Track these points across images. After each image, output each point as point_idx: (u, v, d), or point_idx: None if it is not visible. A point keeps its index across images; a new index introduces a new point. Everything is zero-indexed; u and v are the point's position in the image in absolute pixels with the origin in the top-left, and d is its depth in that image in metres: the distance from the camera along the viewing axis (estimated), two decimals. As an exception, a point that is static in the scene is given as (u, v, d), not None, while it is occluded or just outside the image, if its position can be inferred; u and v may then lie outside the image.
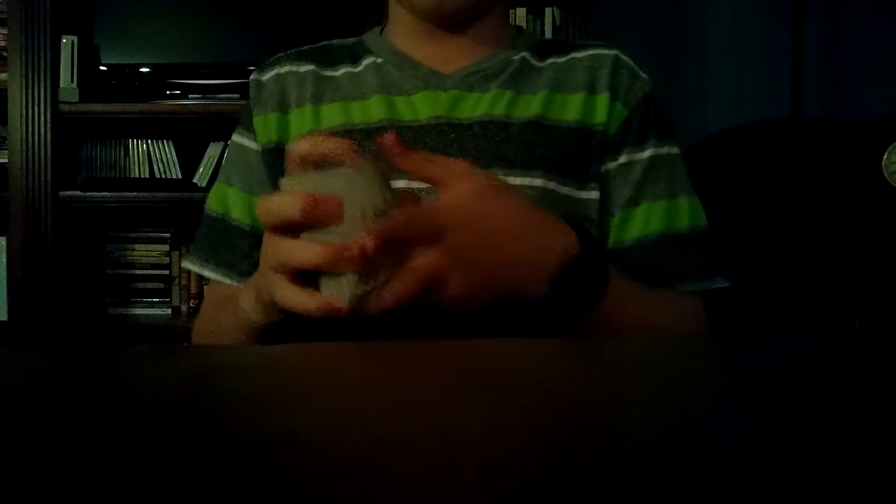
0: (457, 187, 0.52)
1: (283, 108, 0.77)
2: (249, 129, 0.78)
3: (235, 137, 0.79)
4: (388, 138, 0.51)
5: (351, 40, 0.83)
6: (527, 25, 1.94)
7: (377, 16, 1.90)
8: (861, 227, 1.35)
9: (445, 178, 0.53)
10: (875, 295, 1.25)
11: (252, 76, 0.80)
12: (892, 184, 1.33)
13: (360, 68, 0.78)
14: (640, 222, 0.73)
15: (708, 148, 1.45)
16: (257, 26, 1.99)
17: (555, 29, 1.97)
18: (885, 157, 1.33)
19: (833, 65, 2.21)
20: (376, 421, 0.26)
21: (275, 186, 0.76)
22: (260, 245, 0.76)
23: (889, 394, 0.31)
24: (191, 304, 2.04)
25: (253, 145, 0.78)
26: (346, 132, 0.73)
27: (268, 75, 0.79)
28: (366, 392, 0.32)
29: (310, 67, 0.78)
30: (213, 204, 0.79)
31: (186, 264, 0.79)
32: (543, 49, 0.78)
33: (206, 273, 0.77)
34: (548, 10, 1.97)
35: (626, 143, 0.74)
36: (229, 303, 0.74)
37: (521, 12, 1.95)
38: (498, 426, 0.25)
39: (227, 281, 0.77)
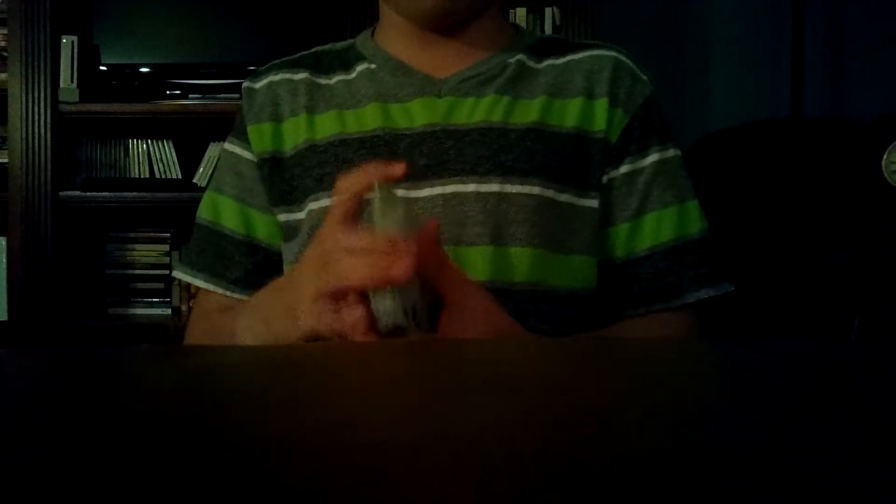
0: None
1: (276, 117, 0.75)
2: (243, 139, 0.77)
3: (227, 146, 0.78)
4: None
5: (343, 44, 0.81)
6: (527, 25, 1.94)
7: (377, 16, 1.89)
8: (861, 227, 1.35)
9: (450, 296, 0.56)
10: (875, 294, 1.25)
11: (244, 84, 0.79)
12: (892, 183, 1.33)
13: (353, 75, 0.76)
14: (652, 231, 0.72)
15: (707, 147, 1.45)
16: (257, 26, 1.99)
17: (555, 29, 1.97)
18: (885, 156, 1.33)
19: (834, 64, 2.21)
20: (377, 421, 0.26)
21: (270, 195, 0.76)
22: (252, 254, 0.76)
23: (889, 394, 0.31)
24: (190, 305, 2.04)
25: (246, 154, 0.76)
26: (341, 142, 0.72)
27: (260, 83, 0.77)
28: (366, 392, 0.32)
29: (304, 75, 0.76)
30: (204, 212, 0.78)
31: (178, 274, 0.78)
32: (541, 49, 0.77)
33: (198, 282, 0.76)
34: (548, 10, 1.97)
35: (628, 152, 0.72)
36: (224, 315, 0.73)
37: (521, 12, 1.95)
38: (500, 427, 0.25)
39: (220, 290, 0.76)
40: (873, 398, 0.30)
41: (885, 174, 1.33)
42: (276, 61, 0.80)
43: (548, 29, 1.97)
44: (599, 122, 0.72)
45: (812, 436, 0.24)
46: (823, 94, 2.19)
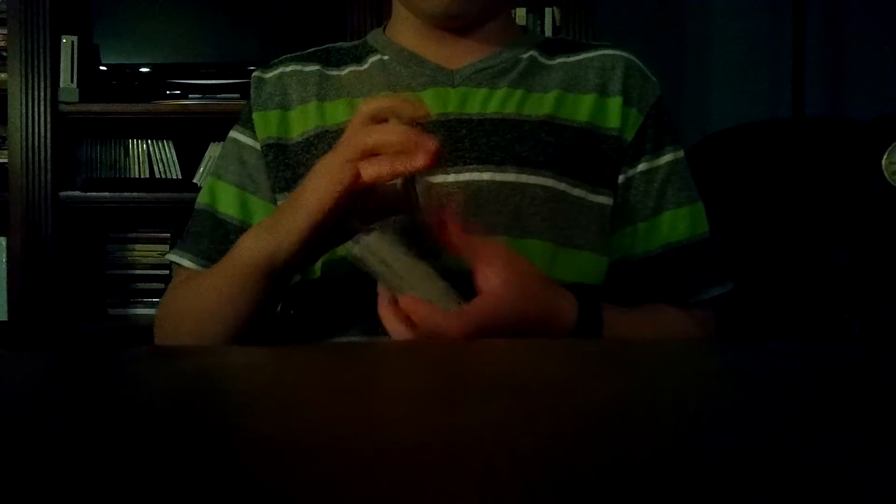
0: (490, 275, 0.57)
1: (285, 105, 0.76)
2: (247, 126, 0.77)
3: (232, 133, 0.79)
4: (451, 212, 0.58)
5: (354, 42, 0.82)
6: (526, 25, 1.94)
7: (377, 16, 1.90)
8: (861, 228, 1.35)
9: (480, 258, 0.57)
10: (876, 296, 1.25)
11: (254, 74, 0.80)
12: (893, 183, 1.32)
13: (365, 66, 0.77)
14: (666, 230, 0.73)
15: (708, 147, 1.45)
16: (257, 26, 1.99)
17: (555, 29, 1.97)
18: (885, 156, 1.33)
19: (834, 64, 2.21)
20: (378, 422, 0.26)
21: (272, 182, 0.76)
22: None
23: (889, 395, 0.31)
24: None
25: (250, 141, 0.77)
26: None
27: (271, 73, 0.79)
28: (367, 393, 0.32)
29: (315, 67, 0.77)
30: (202, 198, 0.78)
31: (171, 256, 0.77)
32: (551, 47, 0.78)
33: (186, 263, 0.75)
34: (548, 10, 1.97)
35: (643, 151, 0.73)
36: (205, 272, 0.71)
37: (520, 12, 1.95)
38: (501, 428, 0.25)
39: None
40: (874, 399, 0.30)
41: (886, 174, 1.33)
42: (288, 55, 0.81)
43: (548, 29, 1.96)
44: (613, 119, 0.73)
45: (813, 437, 0.24)
46: (824, 94, 2.19)
